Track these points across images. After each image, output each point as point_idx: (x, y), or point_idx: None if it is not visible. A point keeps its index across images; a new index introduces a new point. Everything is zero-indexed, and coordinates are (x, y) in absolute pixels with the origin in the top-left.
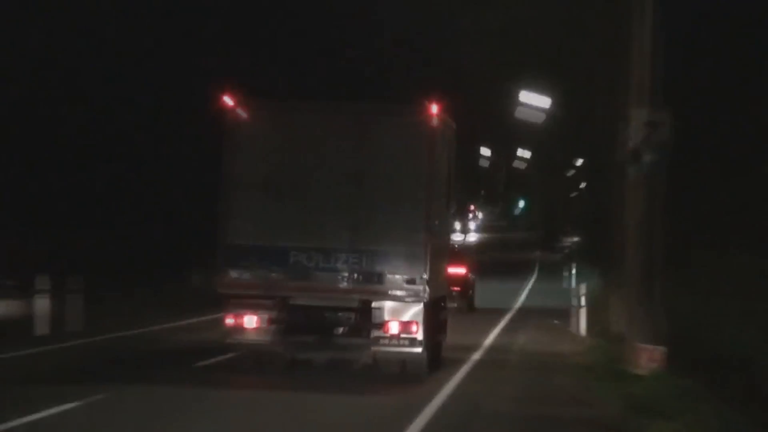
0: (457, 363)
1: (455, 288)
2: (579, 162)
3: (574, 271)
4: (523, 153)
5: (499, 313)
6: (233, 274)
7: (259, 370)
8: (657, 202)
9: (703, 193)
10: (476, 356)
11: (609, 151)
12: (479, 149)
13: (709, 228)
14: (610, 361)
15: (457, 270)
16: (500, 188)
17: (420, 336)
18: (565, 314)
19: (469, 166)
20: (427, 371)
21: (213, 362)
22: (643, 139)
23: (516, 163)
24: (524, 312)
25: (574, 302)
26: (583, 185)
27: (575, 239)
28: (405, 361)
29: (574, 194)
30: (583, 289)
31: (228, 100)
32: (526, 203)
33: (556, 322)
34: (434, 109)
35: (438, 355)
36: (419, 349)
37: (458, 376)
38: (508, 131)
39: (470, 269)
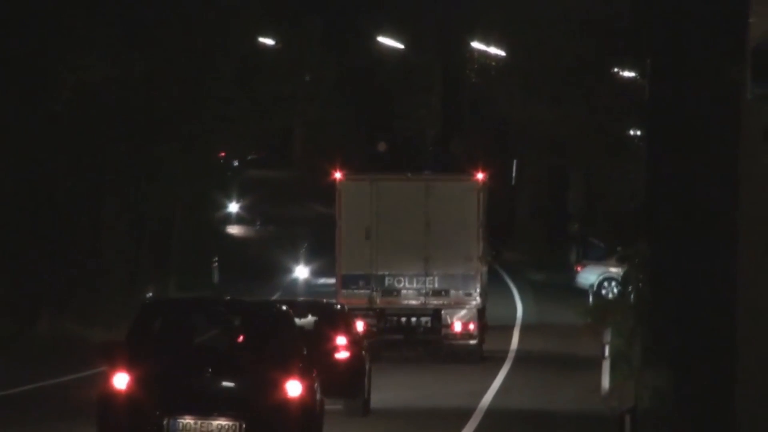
0: None
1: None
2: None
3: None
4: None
5: None
6: (346, 293)
7: None
8: None
9: None
10: None
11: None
12: None
13: None
14: None
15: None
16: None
17: (476, 332)
18: None
19: None
20: (480, 358)
21: None
22: None
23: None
24: None
25: None
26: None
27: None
28: (464, 351)
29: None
30: None
31: (338, 174)
32: None
33: None
34: (480, 175)
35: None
36: (475, 341)
37: None
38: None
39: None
